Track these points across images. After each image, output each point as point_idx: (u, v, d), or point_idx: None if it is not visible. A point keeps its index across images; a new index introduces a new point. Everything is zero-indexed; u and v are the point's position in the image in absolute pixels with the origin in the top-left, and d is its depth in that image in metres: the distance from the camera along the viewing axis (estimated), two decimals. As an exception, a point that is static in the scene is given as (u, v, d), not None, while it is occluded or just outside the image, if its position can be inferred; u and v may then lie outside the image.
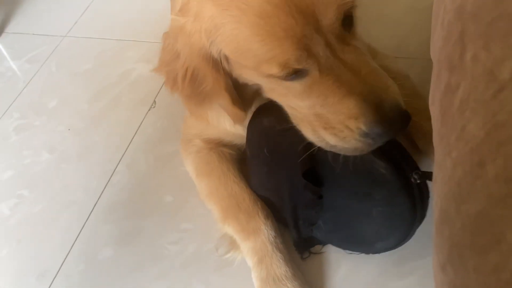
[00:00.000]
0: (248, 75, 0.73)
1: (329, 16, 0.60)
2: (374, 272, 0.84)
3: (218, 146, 1.00)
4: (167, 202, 1.05)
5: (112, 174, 1.13)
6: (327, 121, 0.66)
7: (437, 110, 0.43)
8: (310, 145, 0.72)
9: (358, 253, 0.86)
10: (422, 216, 0.75)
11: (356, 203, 0.77)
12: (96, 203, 1.08)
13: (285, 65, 0.62)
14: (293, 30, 0.59)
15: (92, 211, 1.07)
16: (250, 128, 0.89)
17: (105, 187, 1.11)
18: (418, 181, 0.70)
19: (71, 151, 1.21)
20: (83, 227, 1.04)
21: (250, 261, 0.86)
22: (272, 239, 0.84)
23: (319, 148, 0.71)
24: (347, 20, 0.64)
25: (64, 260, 1.00)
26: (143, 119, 1.23)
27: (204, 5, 0.66)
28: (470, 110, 0.36)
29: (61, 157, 1.21)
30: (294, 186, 0.81)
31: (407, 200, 0.72)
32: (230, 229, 0.88)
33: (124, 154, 1.16)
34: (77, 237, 1.03)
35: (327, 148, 0.69)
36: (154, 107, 1.25)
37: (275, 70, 0.63)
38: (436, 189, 0.42)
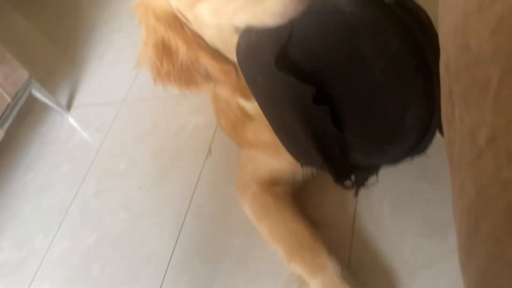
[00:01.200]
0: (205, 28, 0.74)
1: None
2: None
3: (271, 186, 1.05)
4: (235, 244, 1.11)
5: (182, 225, 1.21)
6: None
7: (447, 154, 0.45)
8: None
9: (409, 158, 0.77)
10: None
11: (358, 82, 0.68)
12: (171, 255, 1.17)
13: None
14: None
15: (169, 263, 1.16)
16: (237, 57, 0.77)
17: (177, 239, 1.19)
18: None
19: (144, 208, 1.32)
20: (163, 281, 1.13)
21: None
22: (339, 273, 0.87)
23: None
24: None
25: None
26: (202, 167, 1.32)
27: None
28: (464, 168, 0.38)
29: (136, 214, 1.32)
30: (300, 110, 0.71)
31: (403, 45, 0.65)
32: (297, 268, 0.92)
33: (190, 204, 1.25)
34: (160, 288, 1.12)
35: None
36: (210, 155, 1.34)
37: None
38: (457, 231, 0.43)
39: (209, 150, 1.35)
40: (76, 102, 1.79)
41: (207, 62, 0.77)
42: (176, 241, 1.19)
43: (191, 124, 1.46)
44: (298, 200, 1.05)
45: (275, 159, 1.00)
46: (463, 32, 0.42)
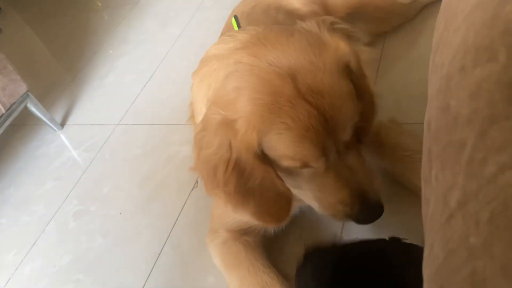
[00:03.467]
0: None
1: (345, 134, 0.78)
2: None
3: (242, 235, 1.02)
4: (210, 283, 1.08)
5: (159, 256, 1.18)
6: (320, 199, 0.85)
7: (422, 214, 0.44)
8: None
9: None
10: None
11: None
12: (144, 285, 1.13)
13: (305, 163, 0.79)
14: (320, 140, 0.76)
15: (139, 295, 1.12)
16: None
17: (152, 269, 1.16)
18: None
19: (122, 235, 1.29)
20: (130, 312, 1.09)
21: None
22: None
23: None
24: (357, 135, 0.82)
25: None
26: (186, 199, 1.30)
27: (251, 106, 0.74)
28: (434, 230, 0.38)
29: (114, 241, 1.29)
30: None
31: None
32: None
33: (169, 235, 1.22)
34: (126, 321, 1.08)
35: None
36: (196, 187, 1.32)
37: (296, 164, 0.79)
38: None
39: (196, 183, 1.34)
40: (71, 120, 1.79)
41: (278, 188, 0.83)
42: (150, 272, 1.16)
43: (181, 154, 1.46)
44: (269, 251, 1.02)
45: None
46: (445, 93, 0.42)
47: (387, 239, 0.84)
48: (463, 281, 0.32)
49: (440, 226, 0.37)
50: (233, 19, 1.04)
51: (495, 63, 0.35)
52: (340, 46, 0.78)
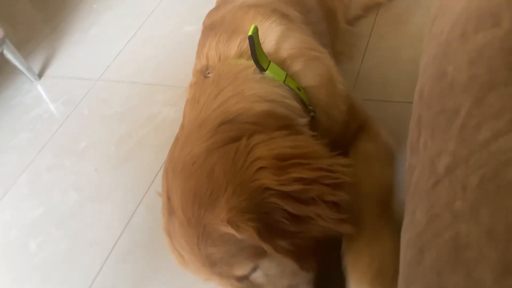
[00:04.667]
0: None
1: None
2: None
3: None
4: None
5: (132, 216, 1.17)
6: None
7: (405, 183, 0.44)
8: None
9: None
10: None
11: None
12: (116, 243, 1.12)
13: None
14: None
15: (111, 251, 1.11)
16: None
17: (125, 228, 1.15)
18: None
19: (96, 192, 1.27)
20: (102, 267, 1.08)
21: None
22: None
23: None
24: None
25: (83, 299, 1.04)
26: (163, 161, 1.28)
27: None
28: (418, 196, 0.37)
29: (87, 197, 1.27)
30: None
31: None
32: None
33: (144, 196, 1.21)
34: (97, 276, 1.07)
35: None
36: (176, 149, 1.30)
37: None
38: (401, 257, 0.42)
39: (175, 145, 1.32)
40: (49, 72, 1.73)
41: None
42: (123, 230, 1.15)
43: (161, 115, 1.43)
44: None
45: None
46: (442, 60, 0.41)
47: None
48: (444, 244, 0.32)
49: (425, 192, 0.37)
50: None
51: (499, 28, 0.34)
52: None
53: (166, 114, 1.43)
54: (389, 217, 0.75)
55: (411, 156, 0.44)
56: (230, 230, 0.63)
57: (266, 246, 0.64)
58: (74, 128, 1.49)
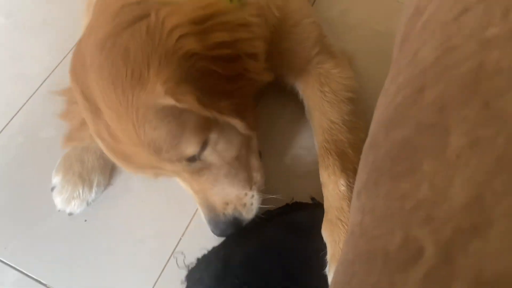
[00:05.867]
0: None
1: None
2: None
3: None
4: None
5: (69, 52, 1.05)
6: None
7: (399, 38, 0.39)
8: None
9: None
10: None
11: None
12: (46, 78, 1.01)
13: None
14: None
15: (40, 86, 1.00)
16: None
17: (58, 64, 1.03)
18: None
19: (30, 21, 1.12)
20: (28, 100, 0.98)
21: None
22: None
23: None
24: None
25: (2, 129, 0.95)
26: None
27: None
28: (428, 32, 0.32)
29: (17, 24, 1.11)
30: None
31: None
32: None
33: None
34: (20, 108, 0.97)
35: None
36: None
37: None
38: (375, 116, 0.39)
39: None
40: None
41: None
42: (56, 67, 1.03)
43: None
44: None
45: None
46: None
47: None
48: (459, 75, 0.28)
49: (441, 25, 0.32)
50: None
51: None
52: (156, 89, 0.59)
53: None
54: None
55: None
56: (169, 101, 0.58)
57: (209, 112, 0.61)
58: None
